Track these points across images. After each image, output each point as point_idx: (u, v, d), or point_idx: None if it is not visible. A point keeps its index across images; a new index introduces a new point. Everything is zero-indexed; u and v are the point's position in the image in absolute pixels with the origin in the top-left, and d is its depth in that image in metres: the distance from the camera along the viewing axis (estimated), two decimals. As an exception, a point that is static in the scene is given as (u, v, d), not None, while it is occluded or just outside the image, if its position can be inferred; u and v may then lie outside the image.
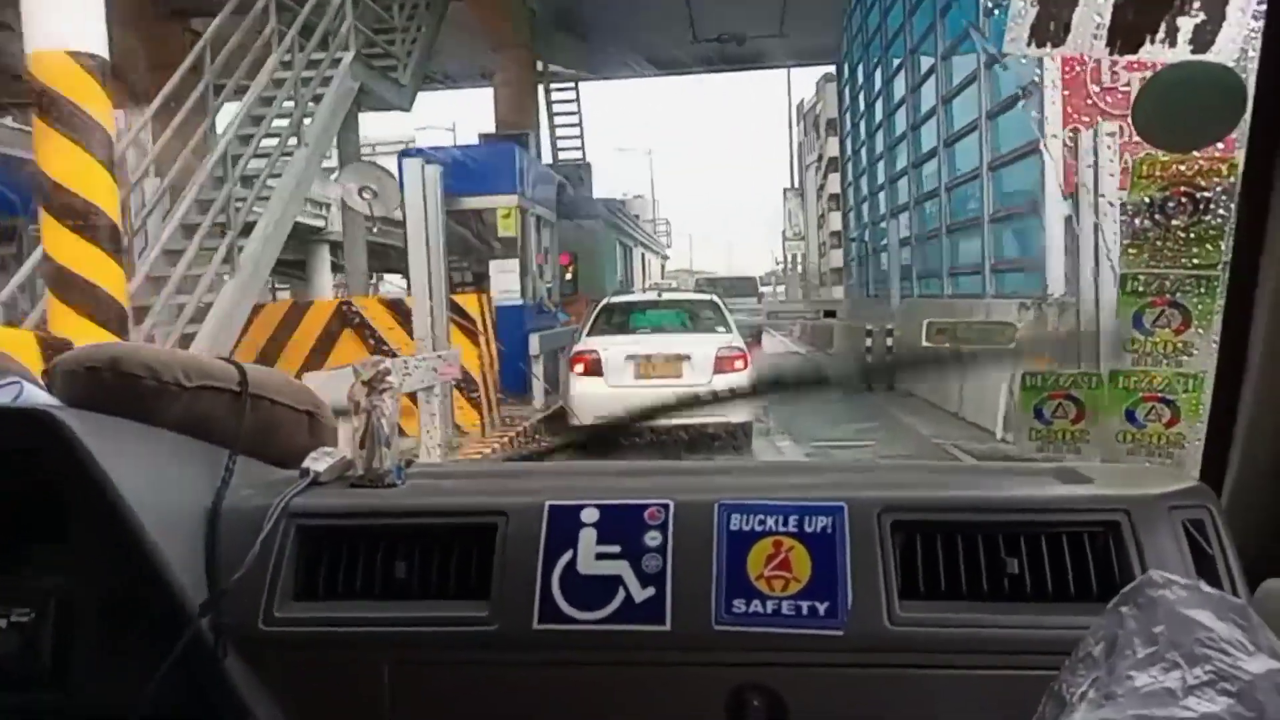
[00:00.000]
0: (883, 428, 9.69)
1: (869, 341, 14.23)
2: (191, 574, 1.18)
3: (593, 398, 8.71)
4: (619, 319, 10.33)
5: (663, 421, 1.70)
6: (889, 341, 13.36)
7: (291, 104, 9.33)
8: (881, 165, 19.63)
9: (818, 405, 12.38)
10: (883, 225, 19.65)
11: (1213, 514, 1.16)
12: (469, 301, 10.02)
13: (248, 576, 1.18)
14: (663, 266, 46.15)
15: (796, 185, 47.47)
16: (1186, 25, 1.09)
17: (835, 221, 44.32)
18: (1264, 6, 1.10)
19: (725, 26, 19.78)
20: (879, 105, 19.53)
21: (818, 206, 44.80)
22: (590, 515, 1.20)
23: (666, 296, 12.01)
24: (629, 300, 11.45)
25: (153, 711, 1.12)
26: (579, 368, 9.17)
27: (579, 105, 23.93)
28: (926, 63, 14.71)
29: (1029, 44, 1.09)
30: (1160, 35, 1.09)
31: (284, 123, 9.25)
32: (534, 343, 12.01)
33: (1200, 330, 1.23)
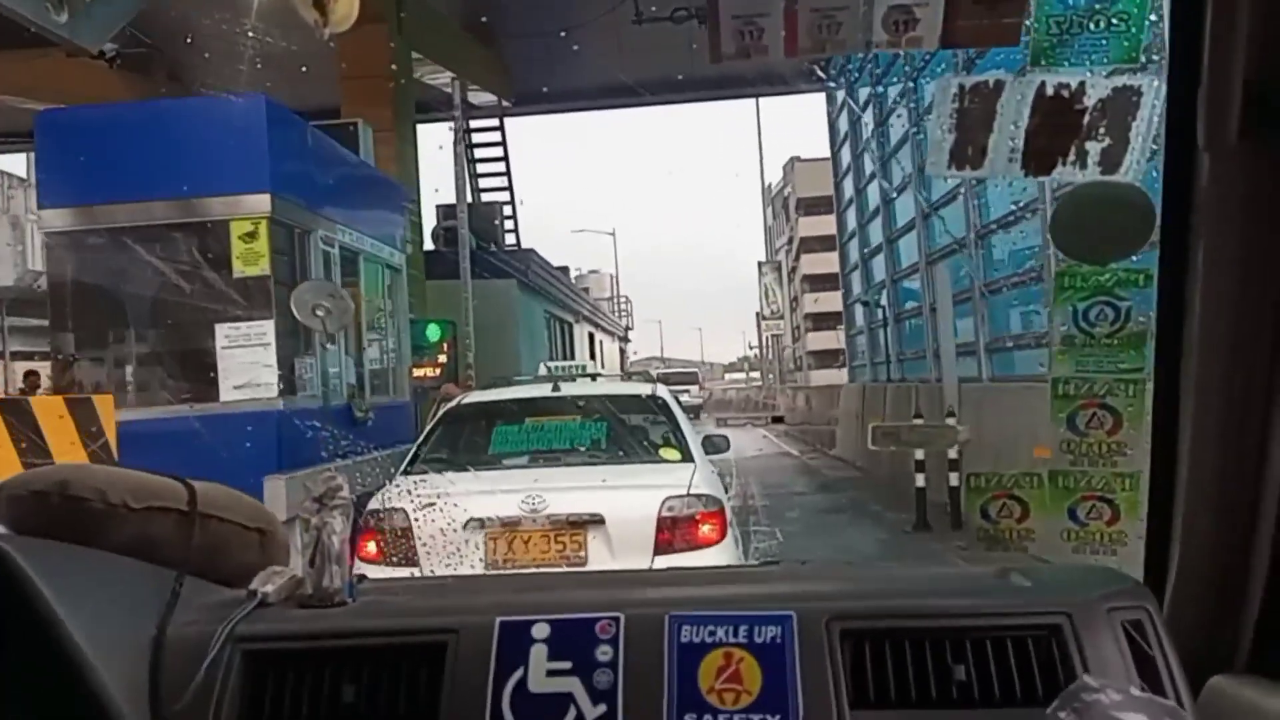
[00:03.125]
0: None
1: (919, 452, 9.97)
2: (135, 703, 1.23)
3: None
4: (476, 438, 6.10)
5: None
6: (954, 453, 9.50)
7: None
8: (910, 194, 15.15)
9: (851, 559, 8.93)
10: (908, 283, 15.65)
11: (1151, 615, 1.29)
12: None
13: (192, 705, 1.24)
14: (622, 351, 45.65)
15: (772, 258, 49.00)
16: (1095, 149, 1.26)
17: (810, 303, 45.75)
18: (1163, 133, 1.34)
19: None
20: (908, 109, 14.73)
21: (789, 289, 46.43)
22: (541, 631, 1.29)
23: (571, 389, 6.69)
24: (500, 399, 6.62)
25: None
26: (369, 547, 4.98)
27: (505, 143, 20.98)
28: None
29: (949, 167, 1.31)
30: (1071, 158, 1.28)
31: None
32: (274, 491, 6.46)
33: (1133, 431, 1.43)
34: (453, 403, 6.66)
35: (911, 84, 15.00)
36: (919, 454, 10.02)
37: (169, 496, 1.41)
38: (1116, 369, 1.39)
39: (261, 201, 7.91)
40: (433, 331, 14.89)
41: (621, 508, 4.88)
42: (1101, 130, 1.28)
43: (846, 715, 1.24)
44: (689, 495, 5.02)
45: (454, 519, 4.81)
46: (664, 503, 4.92)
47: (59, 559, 1.29)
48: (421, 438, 6.10)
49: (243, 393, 7.72)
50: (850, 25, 1.19)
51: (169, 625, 1.32)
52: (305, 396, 8.46)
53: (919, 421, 10.59)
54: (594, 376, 8.89)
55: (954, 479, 9.50)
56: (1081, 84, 1.29)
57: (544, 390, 6.64)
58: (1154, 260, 1.33)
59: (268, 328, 7.89)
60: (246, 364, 7.79)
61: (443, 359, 14.39)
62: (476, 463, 5.63)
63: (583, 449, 5.79)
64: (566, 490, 4.97)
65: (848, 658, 1.28)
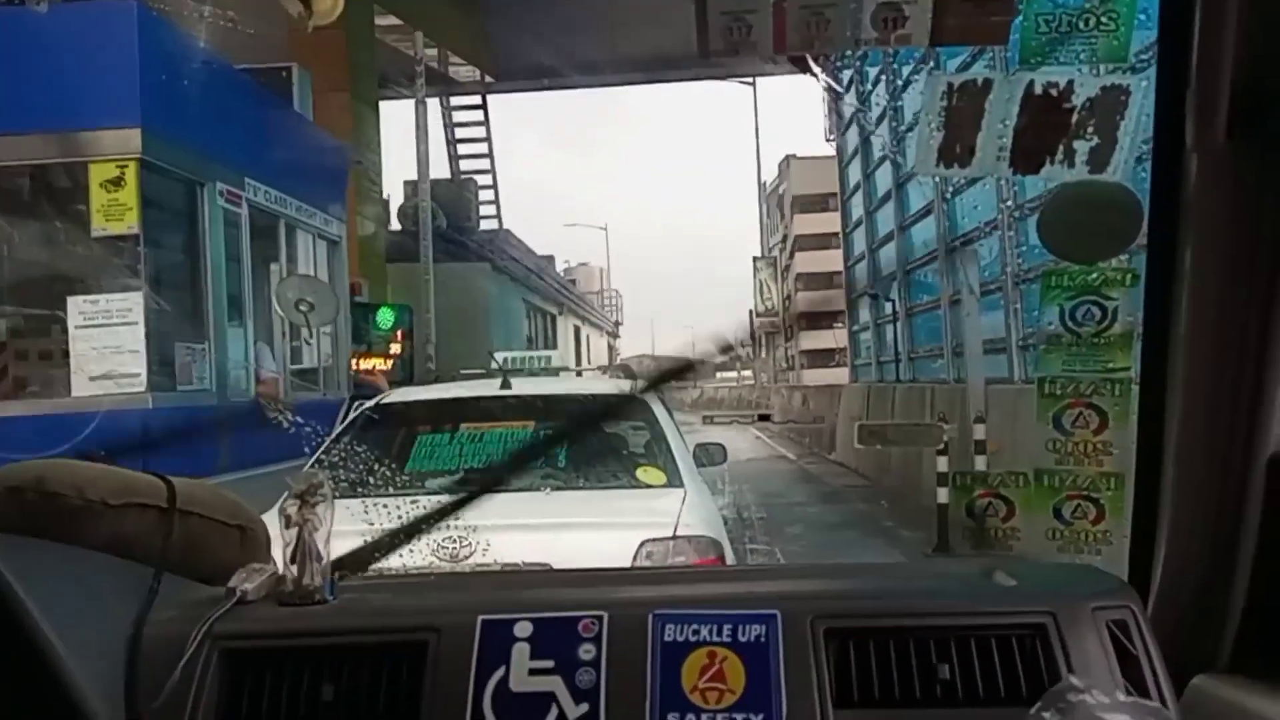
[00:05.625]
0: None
1: (941, 464, 9.43)
2: (111, 702, 1.26)
3: None
4: (391, 451, 4.84)
5: None
6: (984, 464, 8.93)
7: None
8: (926, 176, 11.97)
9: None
10: (927, 275, 14.82)
11: (1135, 614, 1.34)
12: None
13: (168, 704, 1.27)
14: (611, 346, 45.90)
15: (768, 254, 49.52)
16: (1083, 148, 1.32)
17: (803, 302, 46.47)
18: (1152, 132, 1.42)
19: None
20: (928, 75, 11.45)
21: (782, 287, 47.23)
22: (523, 629, 1.34)
23: (526, 387, 5.42)
24: (430, 399, 5.55)
25: None
26: None
27: (488, 121, 20.92)
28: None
29: (937, 165, 1.39)
30: (1059, 157, 1.35)
31: None
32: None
33: (1119, 431, 1.51)
34: (370, 404, 5.32)
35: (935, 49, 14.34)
36: (941, 466, 9.35)
37: (148, 493, 1.44)
38: (1103, 368, 1.46)
39: (129, 138, 6.35)
40: (384, 317, 13.38)
41: (580, 556, 3.44)
42: (1090, 129, 1.35)
43: (830, 714, 1.29)
44: (675, 538, 3.79)
45: None
46: (640, 548, 3.75)
47: (34, 555, 1.32)
48: (319, 450, 4.66)
49: (102, 385, 6.09)
50: (839, 22, 1.27)
51: (146, 623, 1.35)
52: (190, 391, 6.86)
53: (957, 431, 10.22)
54: (571, 371, 7.14)
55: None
56: (1070, 83, 1.36)
57: (491, 388, 5.33)
58: (1141, 260, 1.41)
59: (135, 301, 6.18)
60: (107, 348, 6.15)
61: (395, 349, 12.74)
62: (384, 487, 4.29)
63: (533, 469, 4.43)
64: (504, 529, 3.48)
65: (832, 657, 1.33)
